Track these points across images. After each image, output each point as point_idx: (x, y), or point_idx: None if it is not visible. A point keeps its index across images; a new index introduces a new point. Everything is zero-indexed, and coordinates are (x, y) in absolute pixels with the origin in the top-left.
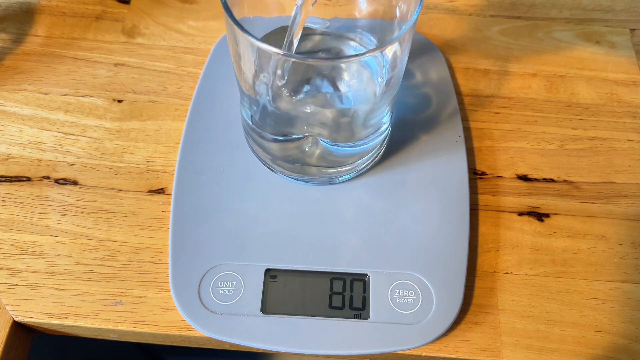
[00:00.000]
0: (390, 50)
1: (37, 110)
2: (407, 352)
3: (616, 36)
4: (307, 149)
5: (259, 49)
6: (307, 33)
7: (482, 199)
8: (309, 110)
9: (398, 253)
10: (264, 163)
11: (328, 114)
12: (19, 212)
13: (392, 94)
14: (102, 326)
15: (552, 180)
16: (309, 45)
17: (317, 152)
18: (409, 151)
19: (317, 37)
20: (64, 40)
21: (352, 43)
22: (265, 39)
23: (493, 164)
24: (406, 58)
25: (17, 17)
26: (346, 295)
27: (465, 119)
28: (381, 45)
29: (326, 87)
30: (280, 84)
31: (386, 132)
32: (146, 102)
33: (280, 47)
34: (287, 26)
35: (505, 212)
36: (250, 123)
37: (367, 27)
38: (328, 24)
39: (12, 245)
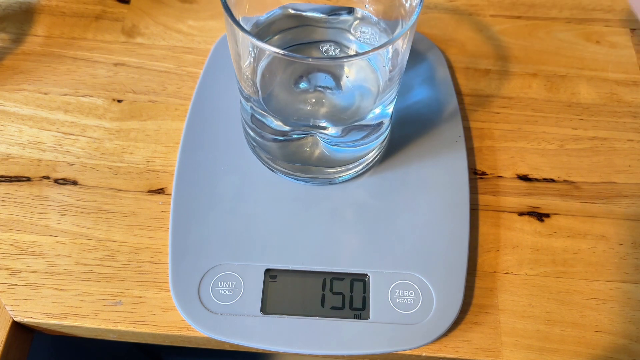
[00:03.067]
0: (390, 49)
1: (37, 110)
2: (407, 352)
3: (616, 36)
4: (307, 149)
5: (258, 49)
6: (309, 24)
7: (482, 199)
8: (309, 108)
9: (398, 253)
10: (264, 163)
11: (328, 110)
12: (19, 212)
13: (393, 93)
14: (101, 326)
15: (552, 180)
16: (312, 35)
17: (317, 152)
18: (409, 151)
19: (319, 29)
20: (63, 40)
21: (354, 36)
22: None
23: (493, 164)
24: (407, 57)
25: (17, 17)
26: (346, 295)
27: (465, 119)
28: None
29: (327, 84)
30: (279, 82)
31: (386, 132)
32: (146, 102)
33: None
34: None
35: (505, 212)
36: (251, 123)
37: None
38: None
39: (11, 245)
